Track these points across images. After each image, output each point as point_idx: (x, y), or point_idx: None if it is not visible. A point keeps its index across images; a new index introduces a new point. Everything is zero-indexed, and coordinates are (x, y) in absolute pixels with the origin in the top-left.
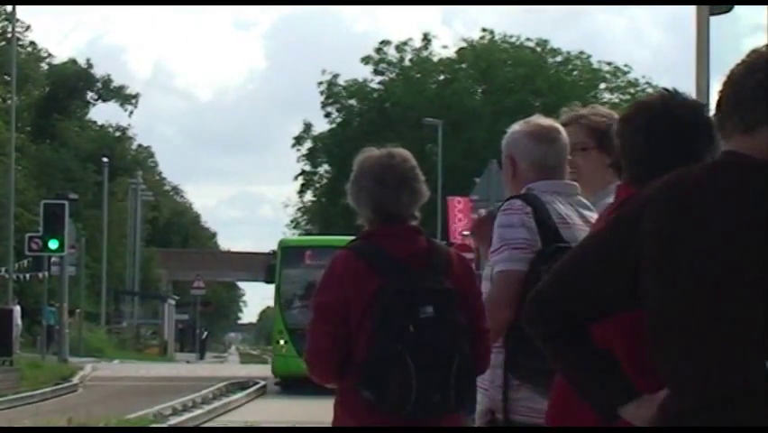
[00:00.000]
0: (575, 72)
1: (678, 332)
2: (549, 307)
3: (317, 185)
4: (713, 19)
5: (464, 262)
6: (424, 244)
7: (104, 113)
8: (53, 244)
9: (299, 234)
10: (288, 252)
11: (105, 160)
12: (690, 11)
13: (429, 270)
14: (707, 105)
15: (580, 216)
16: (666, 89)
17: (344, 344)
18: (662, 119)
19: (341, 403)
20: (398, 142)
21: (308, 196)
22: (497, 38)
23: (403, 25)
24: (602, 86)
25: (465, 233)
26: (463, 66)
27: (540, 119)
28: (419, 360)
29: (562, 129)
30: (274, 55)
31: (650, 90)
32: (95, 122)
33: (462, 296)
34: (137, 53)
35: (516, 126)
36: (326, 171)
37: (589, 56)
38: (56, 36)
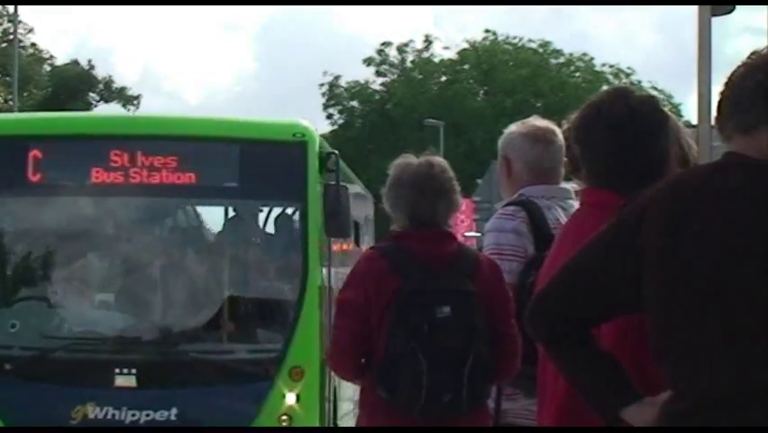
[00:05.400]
0: (577, 74)
1: (680, 333)
2: (552, 309)
3: None
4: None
5: (494, 268)
6: (452, 248)
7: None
8: None
9: None
10: None
11: None
12: (687, 12)
13: (451, 271)
14: (658, 99)
15: None
16: (617, 88)
17: (364, 341)
18: (627, 123)
19: (361, 402)
20: (400, 144)
21: None
22: (499, 39)
23: (395, 28)
24: (605, 88)
25: (467, 234)
26: (465, 67)
27: (537, 120)
28: (432, 358)
29: (558, 131)
30: (263, 57)
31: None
32: None
33: (486, 299)
34: (125, 55)
35: (512, 127)
36: None
37: (592, 58)
38: (47, 38)
